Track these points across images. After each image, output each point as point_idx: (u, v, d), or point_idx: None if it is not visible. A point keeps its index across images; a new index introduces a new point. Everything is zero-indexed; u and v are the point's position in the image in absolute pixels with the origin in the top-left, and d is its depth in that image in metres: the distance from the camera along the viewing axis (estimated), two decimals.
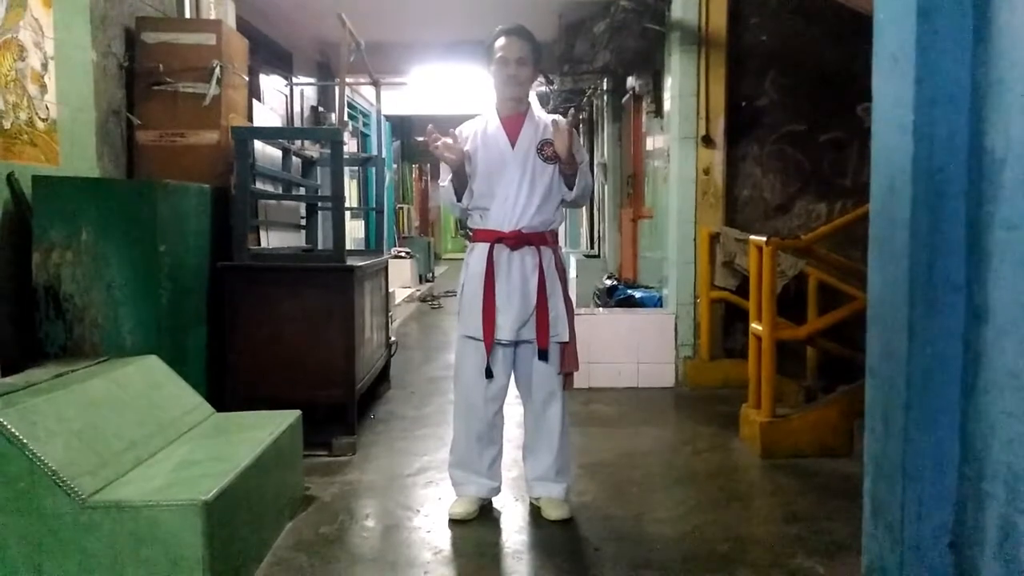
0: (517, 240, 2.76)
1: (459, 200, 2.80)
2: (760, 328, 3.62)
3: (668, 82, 5.25)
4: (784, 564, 2.48)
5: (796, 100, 5.02)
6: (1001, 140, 1.67)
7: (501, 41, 2.78)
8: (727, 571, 2.45)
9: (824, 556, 2.52)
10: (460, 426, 2.90)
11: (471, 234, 2.89)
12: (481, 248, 2.80)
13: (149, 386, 2.72)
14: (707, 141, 4.97)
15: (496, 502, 3.00)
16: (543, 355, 2.79)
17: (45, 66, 3.11)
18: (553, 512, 2.84)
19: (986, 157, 1.72)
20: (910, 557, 1.90)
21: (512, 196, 2.76)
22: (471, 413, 2.86)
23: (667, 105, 5.30)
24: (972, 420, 1.76)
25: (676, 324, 5.05)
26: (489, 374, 2.79)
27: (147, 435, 2.47)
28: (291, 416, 2.93)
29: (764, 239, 3.61)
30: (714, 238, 4.92)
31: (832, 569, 2.43)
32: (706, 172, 5.00)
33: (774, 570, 2.44)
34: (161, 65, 3.67)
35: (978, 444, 1.73)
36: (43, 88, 3.10)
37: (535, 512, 2.91)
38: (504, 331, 2.76)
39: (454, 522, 2.82)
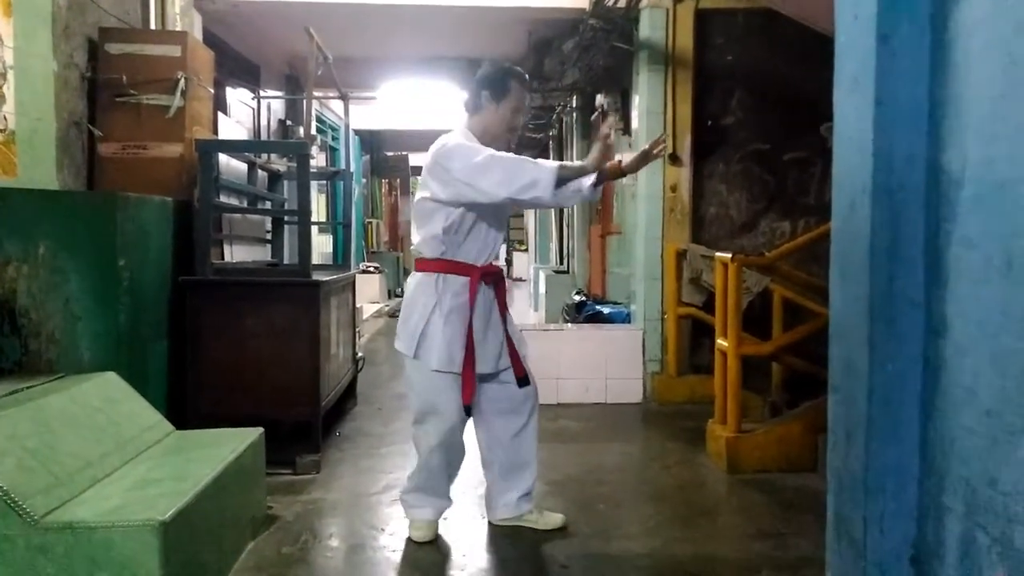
0: (494, 275, 2.77)
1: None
2: (726, 344, 3.65)
3: (636, 100, 5.30)
4: None
5: (761, 119, 5.10)
6: (958, 159, 1.71)
7: (521, 90, 2.73)
8: None
9: (789, 571, 2.53)
10: (435, 460, 2.78)
11: (428, 261, 2.71)
12: (457, 281, 2.67)
13: (106, 403, 2.66)
14: (674, 159, 5.02)
15: (463, 520, 2.98)
16: (523, 381, 2.80)
17: (4, 76, 3.05)
18: (552, 520, 2.88)
19: (944, 176, 1.75)
20: (873, 572, 1.91)
21: (494, 232, 2.75)
22: (452, 449, 2.78)
23: (635, 123, 5.35)
24: (932, 435, 1.79)
25: (644, 340, 5.08)
26: (468, 412, 2.73)
27: (104, 453, 2.40)
28: (253, 434, 2.87)
29: (730, 256, 3.64)
30: (681, 255, 4.96)
31: None
32: (673, 189, 5.05)
33: None
34: (124, 76, 3.62)
35: (938, 459, 1.75)
36: (1, 98, 3.03)
37: (501, 530, 2.89)
38: (486, 364, 2.72)
39: (418, 542, 2.79)
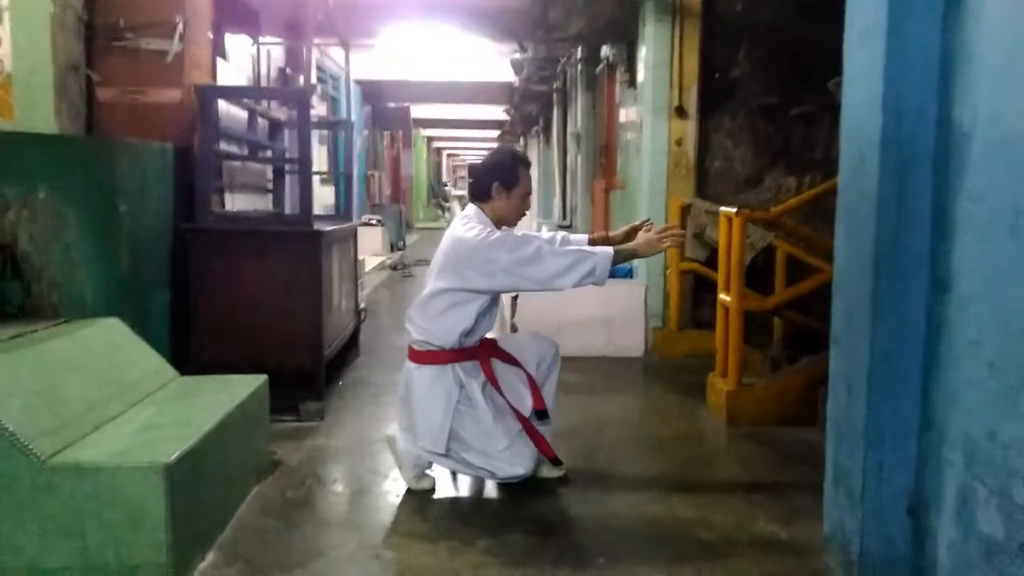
0: (491, 349, 2.82)
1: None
2: (728, 299, 3.65)
3: (642, 52, 5.21)
4: (746, 529, 2.53)
5: (769, 73, 5.01)
6: (969, 113, 1.68)
7: (528, 176, 2.81)
8: (690, 535, 2.49)
9: (785, 522, 2.56)
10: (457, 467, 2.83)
11: (437, 352, 2.73)
12: (469, 364, 2.73)
13: (110, 348, 2.67)
14: (680, 112, 4.96)
15: None
16: (542, 415, 2.86)
17: None
18: (553, 469, 2.92)
19: (954, 129, 1.73)
20: (870, 522, 1.94)
21: (496, 311, 2.80)
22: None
23: (641, 75, 5.27)
24: (933, 388, 1.80)
25: (646, 295, 5.08)
26: (557, 461, 2.86)
27: (108, 397, 2.42)
28: (256, 381, 2.89)
29: (734, 211, 3.62)
30: (685, 210, 4.93)
31: (793, 533, 2.48)
32: (678, 143, 5.00)
33: (737, 534, 2.49)
34: (122, 19, 3.56)
35: (938, 412, 1.76)
36: None
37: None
38: (525, 408, 2.80)
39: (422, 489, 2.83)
